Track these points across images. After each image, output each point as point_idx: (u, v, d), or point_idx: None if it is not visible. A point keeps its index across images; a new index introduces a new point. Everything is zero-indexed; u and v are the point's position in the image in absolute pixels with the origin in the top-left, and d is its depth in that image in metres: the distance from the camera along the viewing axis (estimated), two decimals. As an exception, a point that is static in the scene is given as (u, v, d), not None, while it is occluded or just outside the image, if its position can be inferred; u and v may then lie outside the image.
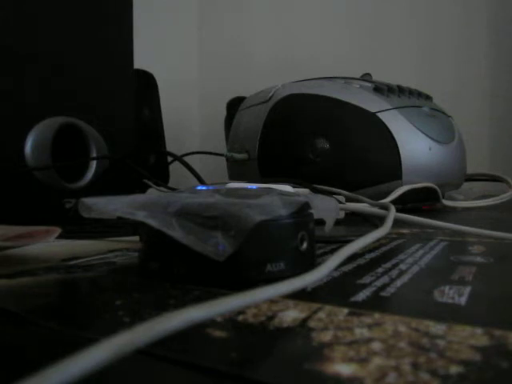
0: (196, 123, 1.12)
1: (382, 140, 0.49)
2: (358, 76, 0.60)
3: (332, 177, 0.49)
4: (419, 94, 0.57)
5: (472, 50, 0.90)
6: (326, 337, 0.11)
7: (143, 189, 0.50)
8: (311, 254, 0.19)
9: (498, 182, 0.65)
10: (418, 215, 0.28)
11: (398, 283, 0.17)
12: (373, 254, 0.23)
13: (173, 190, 0.41)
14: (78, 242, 0.28)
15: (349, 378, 0.09)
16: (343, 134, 0.51)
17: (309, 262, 0.19)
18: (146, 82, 0.71)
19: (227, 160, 0.62)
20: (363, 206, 0.34)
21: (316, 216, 0.20)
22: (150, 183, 0.48)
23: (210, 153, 0.69)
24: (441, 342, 0.11)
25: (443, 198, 0.52)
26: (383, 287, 0.16)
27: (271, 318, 0.13)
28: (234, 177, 0.64)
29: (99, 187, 0.46)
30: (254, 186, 0.25)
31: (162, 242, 0.17)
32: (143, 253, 0.18)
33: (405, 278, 0.17)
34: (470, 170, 0.60)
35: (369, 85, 0.54)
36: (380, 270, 0.19)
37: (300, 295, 0.15)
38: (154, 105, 0.73)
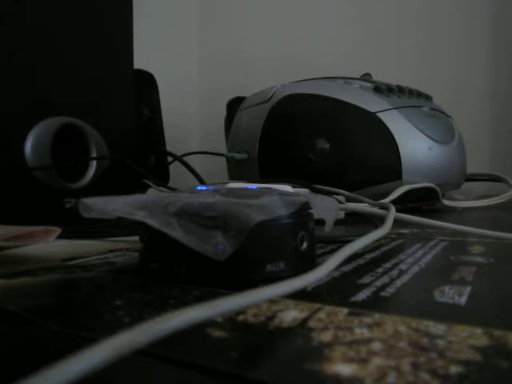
0: (196, 123, 1.12)
1: (381, 140, 0.49)
2: (358, 76, 0.60)
3: (332, 177, 0.49)
4: (419, 94, 0.57)
5: (472, 49, 0.90)
6: (326, 337, 0.11)
7: (143, 189, 0.50)
8: (311, 254, 0.19)
9: (497, 182, 0.65)
10: (418, 215, 0.28)
11: (398, 283, 0.17)
12: (373, 254, 0.23)
13: (173, 189, 0.41)
14: (78, 242, 0.28)
15: (349, 378, 0.09)
16: (343, 134, 0.51)
17: (309, 262, 0.19)
18: (146, 82, 0.71)
19: (227, 160, 0.62)
20: (363, 206, 0.34)
21: (316, 216, 0.20)
22: (149, 183, 0.48)
23: (210, 153, 0.69)
24: (441, 342, 0.11)
25: (443, 197, 0.52)
26: (383, 287, 0.16)
27: (271, 318, 0.13)
28: (233, 177, 0.64)
29: (99, 187, 0.46)
30: (254, 186, 0.25)
31: (162, 241, 0.17)
32: (143, 253, 0.18)
33: (405, 278, 0.17)
34: (470, 170, 0.60)
35: (369, 85, 0.54)
36: (380, 269, 0.19)
37: (300, 295, 0.15)
38: (153, 105, 0.73)
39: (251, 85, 0.75)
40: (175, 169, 0.68)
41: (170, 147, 0.75)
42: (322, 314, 0.13)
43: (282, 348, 0.10)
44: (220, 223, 0.16)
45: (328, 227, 0.20)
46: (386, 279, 0.17)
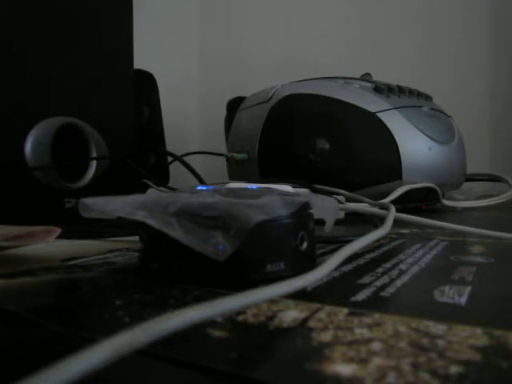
0: (196, 123, 1.12)
1: (381, 140, 0.49)
2: (358, 76, 0.60)
3: (332, 177, 0.49)
4: (419, 94, 0.57)
5: (472, 49, 0.90)
6: (326, 337, 0.11)
7: (143, 189, 0.50)
8: (311, 254, 0.19)
9: (497, 182, 0.65)
10: (418, 215, 0.28)
11: (398, 283, 0.17)
12: (373, 254, 0.23)
13: (173, 189, 0.41)
14: (78, 242, 0.28)
15: (349, 378, 0.09)
16: (343, 133, 0.51)
17: (309, 262, 0.19)
18: (146, 81, 0.71)
19: (227, 160, 0.62)
20: (363, 206, 0.34)
21: (316, 216, 0.20)
22: (149, 183, 0.48)
23: (210, 153, 0.69)
24: (441, 342, 0.11)
25: (443, 197, 0.52)
26: (383, 287, 0.16)
27: (271, 318, 0.13)
28: (233, 177, 0.64)
29: (99, 187, 0.46)
30: (254, 186, 0.25)
31: (162, 241, 0.17)
32: (143, 253, 0.18)
33: (405, 278, 0.17)
34: (470, 170, 0.60)
35: (369, 85, 0.54)
36: (380, 270, 0.19)
37: (300, 295, 0.15)
38: (153, 105, 0.73)
39: (251, 85, 0.75)
40: (175, 169, 0.67)
41: (169, 147, 0.75)
42: (322, 314, 0.13)
43: (282, 348, 0.10)
44: (220, 223, 0.16)
45: (328, 227, 0.20)
46: (386, 279, 0.17)
